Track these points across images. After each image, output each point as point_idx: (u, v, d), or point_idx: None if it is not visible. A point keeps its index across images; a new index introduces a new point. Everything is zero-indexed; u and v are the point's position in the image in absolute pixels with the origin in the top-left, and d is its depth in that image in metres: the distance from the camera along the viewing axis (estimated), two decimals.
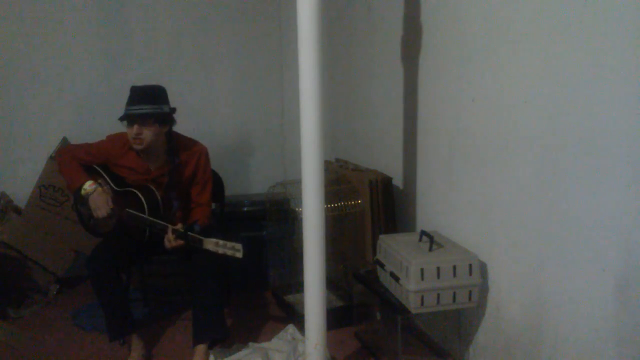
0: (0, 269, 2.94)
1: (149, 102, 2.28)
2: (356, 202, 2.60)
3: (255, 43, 3.66)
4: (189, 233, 2.21)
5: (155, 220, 2.29)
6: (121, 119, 2.31)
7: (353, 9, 2.99)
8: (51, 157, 3.10)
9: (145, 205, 2.32)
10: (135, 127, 2.26)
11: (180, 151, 2.42)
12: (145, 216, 2.29)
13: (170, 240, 2.23)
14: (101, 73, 3.35)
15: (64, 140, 3.19)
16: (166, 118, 2.35)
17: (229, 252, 2.11)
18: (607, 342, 1.51)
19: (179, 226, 2.26)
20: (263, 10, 3.65)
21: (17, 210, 3.12)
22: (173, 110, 2.38)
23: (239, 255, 2.11)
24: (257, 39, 3.66)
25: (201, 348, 2.28)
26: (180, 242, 2.22)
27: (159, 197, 2.38)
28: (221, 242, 2.13)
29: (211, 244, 2.13)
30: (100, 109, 3.30)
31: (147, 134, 2.28)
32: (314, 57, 1.77)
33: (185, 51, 3.48)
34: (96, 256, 2.27)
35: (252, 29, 3.64)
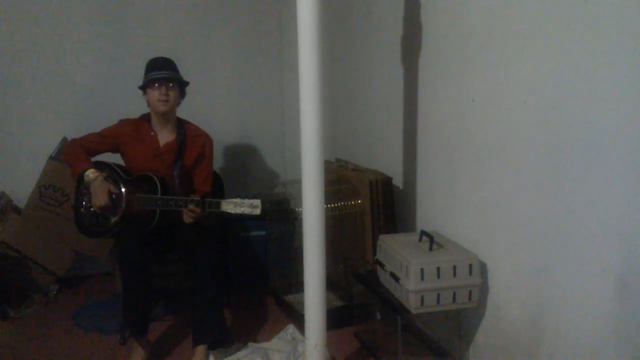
0: (0, 269, 2.94)
1: (172, 69, 2.46)
2: (356, 202, 2.60)
3: (255, 43, 3.66)
4: (205, 199, 2.24)
5: (168, 197, 2.33)
6: (146, 84, 2.43)
7: (353, 10, 2.99)
8: (51, 157, 3.10)
9: (159, 185, 2.37)
10: (163, 88, 2.40)
11: (187, 129, 2.56)
12: (158, 195, 2.33)
13: (187, 212, 2.27)
14: (101, 73, 3.35)
15: (64, 140, 3.19)
16: (184, 87, 2.52)
17: (247, 210, 2.14)
18: (607, 342, 1.51)
19: (193, 196, 2.32)
20: (263, 10, 3.65)
21: (17, 210, 3.12)
22: (187, 83, 2.54)
23: (257, 211, 2.14)
24: (257, 39, 3.66)
25: (201, 349, 2.28)
26: (197, 209, 2.25)
27: (166, 180, 2.44)
28: (239, 200, 2.16)
29: (229, 204, 2.16)
30: (100, 108, 3.29)
31: (172, 95, 2.44)
32: (314, 57, 1.77)
33: (185, 51, 3.48)
34: (129, 253, 2.29)
35: (252, 29, 3.64)
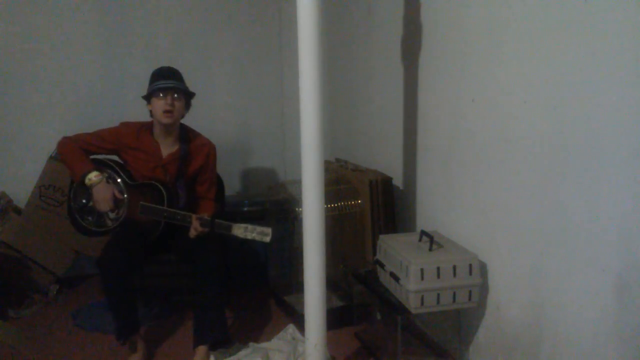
0: (0, 269, 2.94)
1: (178, 79, 2.39)
2: (356, 202, 2.60)
3: (255, 43, 3.67)
4: (215, 220, 2.23)
5: (176, 210, 2.30)
6: (150, 94, 2.35)
7: (353, 9, 2.99)
8: (51, 157, 3.10)
9: (165, 196, 2.33)
10: (169, 98, 2.32)
11: (190, 139, 2.49)
12: (165, 207, 2.30)
13: (196, 229, 2.25)
14: (101, 73, 3.35)
15: None
16: (190, 99, 2.45)
17: (257, 237, 2.14)
18: (607, 342, 1.51)
19: (203, 215, 2.29)
20: (263, 10, 3.65)
21: (17, 210, 3.12)
22: (193, 94, 2.46)
23: (267, 239, 2.14)
24: (257, 39, 3.67)
25: (202, 349, 2.28)
26: (206, 229, 2.24)
27: (171, 190, 2.40)
28: (250, 226, 2.15)
29: (240, 229, 2.16)
30: (101, 109, 3.29)
31: (178, 106, 2.36)
32: (314, 57, 1.76)
33: (185, 51, 3.49)
34: (109, 255, 2.24)
35: (252, 29, 3.64)
